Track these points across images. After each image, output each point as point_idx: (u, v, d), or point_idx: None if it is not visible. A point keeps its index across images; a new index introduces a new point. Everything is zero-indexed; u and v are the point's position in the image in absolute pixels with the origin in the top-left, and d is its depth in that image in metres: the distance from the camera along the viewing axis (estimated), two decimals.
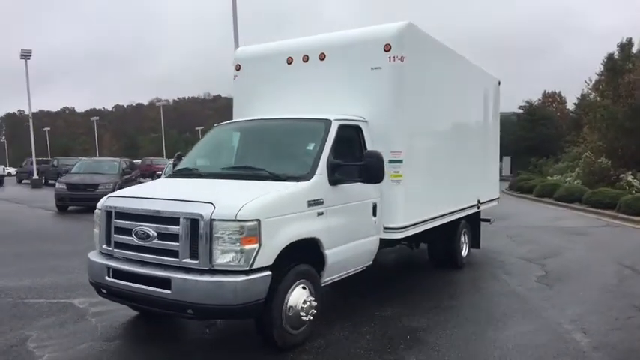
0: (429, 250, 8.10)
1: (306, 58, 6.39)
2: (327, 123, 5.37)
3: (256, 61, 6.86)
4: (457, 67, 7.54)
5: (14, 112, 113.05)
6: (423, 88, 6.33)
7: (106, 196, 5.03)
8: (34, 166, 31.85)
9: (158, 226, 4.39)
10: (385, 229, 5.89)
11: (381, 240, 5.91)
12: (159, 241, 4.37)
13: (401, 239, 6.23)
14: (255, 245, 4.14)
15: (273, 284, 4.35)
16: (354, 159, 5.71)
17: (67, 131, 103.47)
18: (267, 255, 4.24)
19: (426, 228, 6.44)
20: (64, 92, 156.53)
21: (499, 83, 9.82)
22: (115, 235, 4.67)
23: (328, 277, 5.12)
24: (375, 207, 5.73)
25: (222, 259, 4.12)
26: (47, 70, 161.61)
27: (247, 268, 4.13)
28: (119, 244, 4.65)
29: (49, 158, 41.53)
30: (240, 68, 6.99)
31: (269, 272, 4.24)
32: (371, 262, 5.91)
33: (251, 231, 4.13)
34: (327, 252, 4.95)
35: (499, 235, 11.36)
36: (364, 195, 5.56)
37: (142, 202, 4.63)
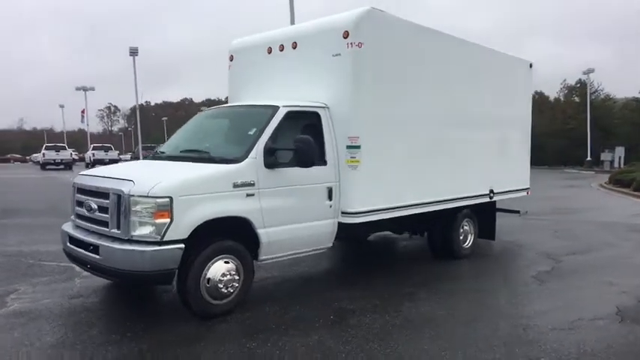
0: (428, 239, 7.99)
1: (281, 48, 6.66)
2: (274, 109, 5.62)
3: (245, 52, 7.25)
4: (449, 51, 7.26)
5: (142, 104, 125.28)
6: (390, 74, 6.27)
7: (78, 174, 5.78)
8: (141, 152, 35.56)
9: (97, 200, 5.02)
10: (343, 213, 6.00)
11: (344, 224, 6.02)
12: (98, 214, 5.00)
13: (365, 225, 6.24)
14: (167, 220, 4.58)
15: (191, 256, 4.78)
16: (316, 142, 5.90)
17: (186, 120, 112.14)
18: (180, 229, 4.65)
19: (393, 215, 6.41)
20: (187, 84, 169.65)
21: (530, 66, 9.20)
22: (76, 207, 5.40)
23: (269, 255, 5.41)
24: (330, 191, 5.87)
25: (138, 230, 4.61)
26: (173, 64, 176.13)
27: (159, 240, 4.58)
28: (78, 215, 5.37)
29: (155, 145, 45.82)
30: (233, 59, 7.44)
31: (181, 245, 4.65)
32: (330, 244, 6.08)
33: (162, 207, 4.57)
34: (261, 231, 5.24)
35: (545, 229, 10.70)
36: (314, 179, 5.74)
37: (93, 179, 5.29)
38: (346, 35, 5.88)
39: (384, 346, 4.33)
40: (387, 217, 6.34)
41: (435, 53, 6.98)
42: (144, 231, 4.60)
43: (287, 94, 6.35)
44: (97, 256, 4.82)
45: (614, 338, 4.57)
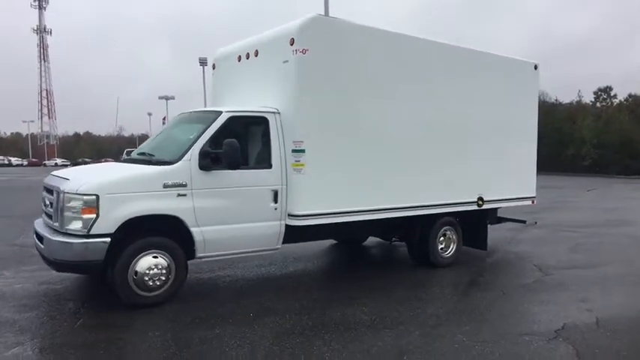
0: (407, 246, 7.89)
1: (247, 56, 6.98)
2: (217, 114, 5.93)
3: (223, 60, 7.65)
4: (416, 55, 7.13)
5: None
6: (340, 79, 6.33)
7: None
8: None
9: (49, 196, 5.62)
10: (289, 215, 6.17)
11: (291, 227, 6.19)
12: (49, 209, 5.60)
13: (313, 227, 6.33)
14: (93, 215, 5.05)
15: (119, 249, 5.21)
16: (258, 149, 6.19)
17: None
18: (106, 224, 5.10)
19: (343, 220, 6.44)
20: None
21: (535, 68, 8.74)
22: (42, 204, 6.06)
23: (207, 253, 5.72)
24: (276, 194, 6.08)
25: (69, 224, 5.13)
26: None
27: (86, 233, 5.05)
28: (43, 210, 6.02)
29: None
30: (215, 67, 7.87)
31: (107, 239, 5.09)
32: (278, 246, 6.27)
33: (89, 203, 5.05)
34: (194, 230, 5.57)
35: (567, 241, 10.06)
36: (257, 181, 5.98)
37: (51, 178, 5.90)
38: (292, 42, 6.06)
39: (279, 346, 4.45)
40: (337, 221, 6.39)
41: (398, 56, 6.91)
42: (75, 225, 5.10)
43: (252, 100, 6.65)
44: (42, 246, 5.41)
45: (529, 354, 4.35)
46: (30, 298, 5.70)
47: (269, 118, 6.15)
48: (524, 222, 9.12)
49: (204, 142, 5.67)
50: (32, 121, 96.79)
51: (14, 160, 70.98)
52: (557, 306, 5.80)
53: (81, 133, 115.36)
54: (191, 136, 5.80)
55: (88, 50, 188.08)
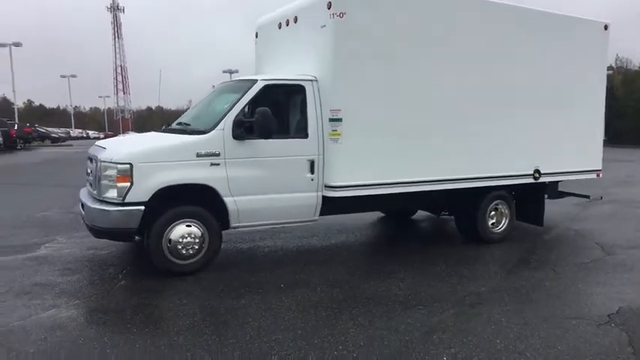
0: (455, 220, 7.53)
1: (287, 22, 6.78)
2: (251, 83, 5.80)
3: (264, 28, 7.49)
4: (465, 15, 6.58)
5: None
6: (379, 43, 5.99)
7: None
8: None
9: (91, 165, 5.77)
10: (326, 187, 6.02)
11: (329, 198, 6.04)
12: (90, 177, 5.76)
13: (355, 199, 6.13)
14: (127, 184, 5.12)
15: (154, 218, 5.29)
16: (294, 118, 6.06)
17: None
18: (140, 193, 5.16)
19: (383, 192, 6.19)
20: None
21: (605, 28, 7.92)
22: (86, 172, 6.25)
23: (240, 223, 5.70)
24: (312, 164, 5.92)
25: (105, 192, 5.24)
26: None
27: (121, 202, 5.15)
28: (86, 179, 6.21)
29: None
30: (257, 36, 7.73)
31: (141, 207, 5.16)
32: (315, 218, 6.14)
33: (123, 172, 5.12)
34: (227, 199, 5.54)
35: (636, 218, 9.20)
36: (293, 151, 5.85)
37: (94, 148, 6.05)
38: (329, 6, 5.78)
39: (302, 319, 4.37)
40: (375, 193, 6.15)
41: (444, 17, 6.43)
42: (111, 193, 5.20)
43: (292, 68, 6.47)
44: (83, 213, 5.59)
45: (573, 340, 4.00)
46: (75, 263, 5.94)
47: (306, 87, 5.95)
48: (587, 197, 8.43)
49: (237, 111, 5.57)
50: (108, 97, 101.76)
51: (92, 133, 75.20)
52: (615, 288, 5.31)
53: (153, 107, 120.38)
54: (226, 106, 5.72)
55: (160, 27, 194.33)
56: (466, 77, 6.64)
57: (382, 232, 8.26)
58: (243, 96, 5.67)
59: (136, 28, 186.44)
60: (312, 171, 5.93)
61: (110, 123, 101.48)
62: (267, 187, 5.75)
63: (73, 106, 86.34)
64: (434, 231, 8.42)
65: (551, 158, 7.48)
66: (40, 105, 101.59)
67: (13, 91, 44.50)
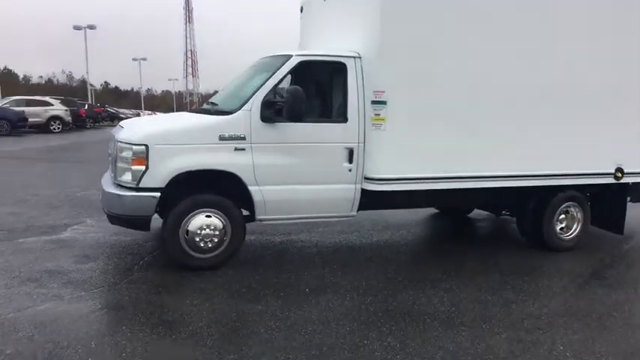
0: (517, 223, 6.60)
1: None
2: (285, 59, 5.17)
3: (311, 2, 6.83)
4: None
5: None
6: (435, 16, 5.18)
7: None
8: None
9: (111, 145, 5.37)
10: (366, 179, 5.32)
11: (369, 192, 5.34)
12: (111, 159, 5.36)
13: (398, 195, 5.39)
14: (142, 167, 4.66)
15: (170, 206, 4.82)
16: (332, 99, 5.40)
17: None
18: (156, 178, 4.68)
19: (431, 187, 5.41)
20: None
21: None
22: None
23: (268, 216, 5.12)
24: (351, 152, 5.24)
25: (121, 175, 4.81)
26: None
27: (135, 186, 4.70)
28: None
29: None
30: (302, 10, 7.08)
31: (156, 194, 4.69)
32: (352, 213, 5.47)
33: (138, 154, 4.66)
34: (252, 189, 4.97)
35: None
36: (329, 137, 5.19)
37: (116, 128, 5.66)
38: None
39: (322, 333, 3.74)
40: (422, 188, 5.38)
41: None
42: (126, 176, 4.76)
43: (338, 44, 5.77)
44: (101, 197, 5.21)
45: None
46: (95, 248, 5.61)
47: (347, 64, 5.23)
48: None
49: (267, 90, 4.96)
50: (176, 80, 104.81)
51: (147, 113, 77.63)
52: None
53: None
54: (255, 84, 5.13)
55: (229, 10, 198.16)
56: (538, 59, 5.66)
57: (433, 230, 7.45)
58: (274, 73, 5.04)
59: (207, 11, 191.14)
60: (350, 160, 5.24)
61: (179, 105, 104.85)
62: (299, 177, 5.13)
63: (147, 88, 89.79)
64: (492, 233, 7.51)
65: (636, 155, 6.34)
66: (116, 87, 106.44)
67: (87, 72, 46.47)
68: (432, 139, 5.32)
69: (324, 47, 5.99)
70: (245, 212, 5.17)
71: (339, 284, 4.76)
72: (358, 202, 5.40)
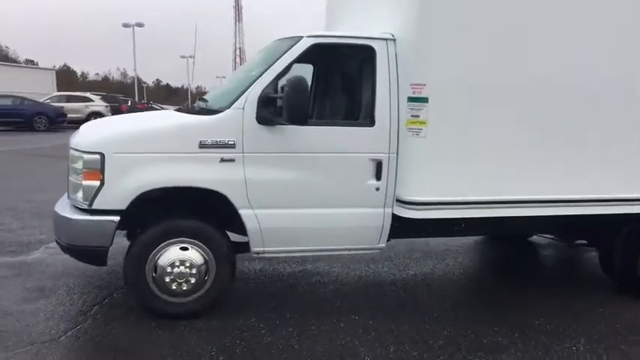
0: (600, 255, 5.05)
1: None
2: (293, 42, 3.89)
3: None
4: None
5: None
6: None
7: None
8: None
9: None
10: (399, 201, 3.98)
11: (402, 219, 4.02)
12: None
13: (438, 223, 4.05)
14: (96, 183, 3.51)
15: (135, 234, 3.66)
16: (355, 95, 4.11)
17: None
18: (115, 197, 3.52)
19: (490, 215, 4.01)
20: None
21: None
22: None
23: (266, 247, 3.88)
24: (379, 166, 3.92)
25: (73, 192, 3.68)
26: None
27: (87, 208, 3.55)
28: None
29: None
30: None
31: (115, 218, 3.53)
32: (379, 245, 4.15)
33: (91, 165, 3.51)
34: (244, 212, 3.74)
35: None
36: (349, 145, 3.89)
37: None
38: None
39: None
40: (480, 215, 3.98)
41: None
42: (78, 194, 3.63)
43: (369, 24, 4.46)
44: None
45: None
46: (58, 278, 4.55)
47: (376, 48, 3.91)
48: None
49: (267, 82, 3.71)
50: (224, 77, 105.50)
51: None
52: None
53: None
54: (254, 75, 3.87)
55: (277, 10, 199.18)
56: (629, 56, 4.13)
57: (486, 261, 5.99)
58: (276, 60, 3.78)
59: (256, 10, 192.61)
60: (377, 176, 3.92)
61: None
62: (307, 198, 3.86)
63: (196, 85, 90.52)
64: (561, 266, 5.97)
65: None
66: (167, 85, 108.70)
67: (135, 69, 46.79)
68: (492, 148, 3.92)
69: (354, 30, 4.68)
70: (236, 236, 3.94)
71: (358, 341, 3.46)
72: (388, 231, 4.07)
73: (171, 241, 3.66)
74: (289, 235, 3.88)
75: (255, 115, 3.65)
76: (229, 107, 3.67)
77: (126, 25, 44.78)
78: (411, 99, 3.81)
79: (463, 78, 3.77)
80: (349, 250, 4.15)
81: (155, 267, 3.64)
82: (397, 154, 3.91)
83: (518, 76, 3.88)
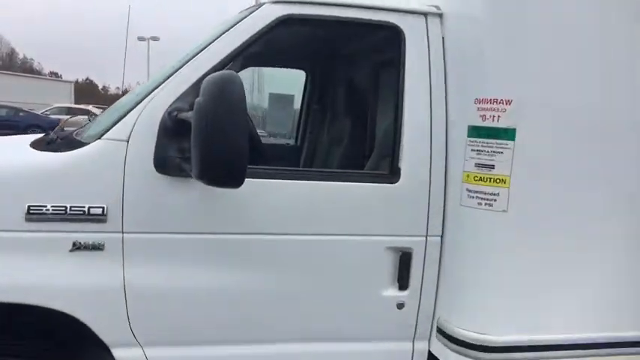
0: None
1: None
2: (246, 13, 1.99)
3: None
4: None
5: None
6: None
7: None
8: None
9: None
10: (441, 332, 2.00)
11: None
12: None
13: None
14: None
15: None
16: (362, 116, 2.18)
17: None
18: None
19: None
20: None
21: None
22: None
23: None
24: (405, 261, 1.96)
25: None
26: None
27: None
28: None
29: None
30: None
31: None
32: None
33: None
34: (121, 354, 1.80)
35: None
36: (347, 220, 1.96)
37: None
38: None
39: None
40: None
41: None
42: None
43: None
44: None
45: None
46: None
47: (404, 29, 1.98)
48: None
49: (178, 91, 1.80)
50: None
51: None
52: None
53: None
54: (163, 75, 1.96)
55: None
56: None
57: None
58: (204, 49, 1.87)
59: None
60: (401, 282, 1.96)
61: None
62: (260, 326, 1.91)
63: None
64: None
65: None
66: None
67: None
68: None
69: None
70: None
71: None
72: None
73: None
74: None
75: (152, 156, 1.73)
76: (100, 138, 1.76)
77: (141, 39, 43.98)
78: (476, 130, 1.86)
79: (588, 103, 1.82)
80: None
81: None
82: (442, 238, 1.96)
83: None
